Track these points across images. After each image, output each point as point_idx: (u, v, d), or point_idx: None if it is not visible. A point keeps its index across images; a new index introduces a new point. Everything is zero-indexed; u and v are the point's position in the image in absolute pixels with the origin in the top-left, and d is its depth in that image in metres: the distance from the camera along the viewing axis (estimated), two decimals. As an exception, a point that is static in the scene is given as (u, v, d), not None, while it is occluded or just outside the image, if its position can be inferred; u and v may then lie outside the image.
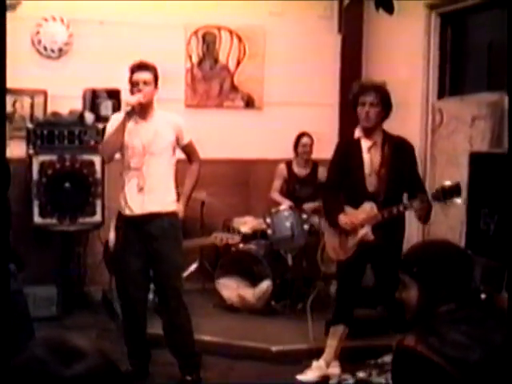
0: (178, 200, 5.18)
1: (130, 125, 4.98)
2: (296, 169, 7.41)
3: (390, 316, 5.21)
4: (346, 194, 5.22)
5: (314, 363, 5.30)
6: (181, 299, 5.15)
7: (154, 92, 5.05)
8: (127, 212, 5.04)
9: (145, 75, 4.99)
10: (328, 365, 5.28)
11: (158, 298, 5.37)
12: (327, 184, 5.50)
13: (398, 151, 5.12)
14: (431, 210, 4.97)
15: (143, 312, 5.22)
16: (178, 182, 5.30)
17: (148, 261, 5.10)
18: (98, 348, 1.33)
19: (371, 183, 5.10)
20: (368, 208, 5.08)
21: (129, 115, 4.92)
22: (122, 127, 4.92)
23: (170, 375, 5.31)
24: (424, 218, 5.03)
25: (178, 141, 5.14)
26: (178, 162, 5.24)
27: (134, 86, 5.01)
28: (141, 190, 5.00)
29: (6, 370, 1.29)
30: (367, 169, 5.11)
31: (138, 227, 5.03)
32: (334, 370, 5.31)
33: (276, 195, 7.39)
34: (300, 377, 5.27)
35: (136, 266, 5.08)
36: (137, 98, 4.92)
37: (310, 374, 5.25)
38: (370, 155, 5.12)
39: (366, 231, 5.08)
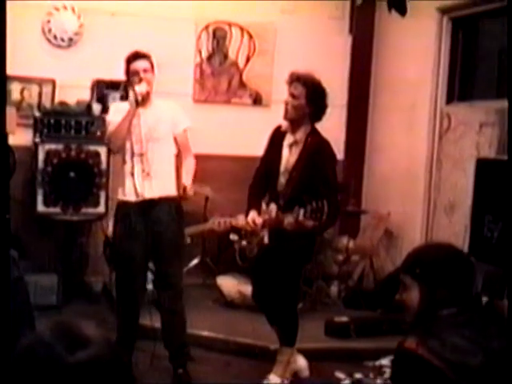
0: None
1: None
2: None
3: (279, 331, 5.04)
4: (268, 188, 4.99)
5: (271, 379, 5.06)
6: (180, 285, 5.23)
7: (153, 79, 5.11)
8: (132, 198, 5.07)
9: (143, 64, 5.06)
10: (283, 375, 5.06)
11: (158, 282, 5.35)
12: (254, 175, 5.29)
13: (315, 156, 4.74)
14: (322, 225, 4.49)
15: (139, 300, 5.23)
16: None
17: (150, 247, 5.13)
18: (105, 337, 1.34)
19: (281, 183, 4.86)
20: (271, 209, 4.83)
21: (138, 105, 4.97)
22: (130, 117, 4.98)
23: (160, 367, 5.34)
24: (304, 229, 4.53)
25: (174, 127, 5.19)
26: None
27: (133, 75, 5.05)
28: (147, 175, 5.05)
29: (8, 354, 1.29)
30: (282, 166, 4.87)
31: (142, 213, 5.07)
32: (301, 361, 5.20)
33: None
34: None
35: (138, 254, 5.09)
36: (145, 87, 4.99)
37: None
38: (289, 153, 4.85)
39: (262, 235, 4.87)
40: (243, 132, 7.76)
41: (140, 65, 5.05)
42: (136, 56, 5.08)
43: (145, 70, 5.04)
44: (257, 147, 7.80)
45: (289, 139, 4.88)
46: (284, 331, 5.11)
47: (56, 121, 6.68)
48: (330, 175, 4.75)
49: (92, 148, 6.67)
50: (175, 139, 5.22)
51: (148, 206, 5.06)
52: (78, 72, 7.11)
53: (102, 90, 7.09)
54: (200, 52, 7.71)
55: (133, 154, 5.07)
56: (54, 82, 7.07)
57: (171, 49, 7.34)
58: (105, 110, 7.01)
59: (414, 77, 7.13)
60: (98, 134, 6.75)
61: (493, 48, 6.54)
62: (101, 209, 6.75)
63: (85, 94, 7.10)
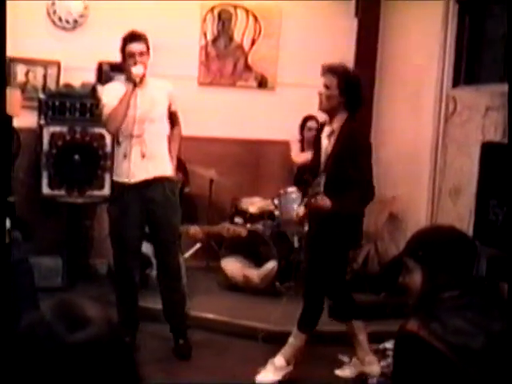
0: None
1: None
2: (305, 150, 7.41)
3: None
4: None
5: (277, 361, 5.06)
6: (177, 263, 5.38)
7: (148, 60, 5.15)
8: (131, 180, 5.14)
9: (139, 46, 5.10)
10: (289, 363, 5.08)
11: (157, 260, 5.51)
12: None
13: (347, 142, 4.79)
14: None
15: (135, 279, 5.34)
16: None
17: (144, 227, 5.27)
18: (107, 317, 1.34)
19: (320, 172, 4.94)
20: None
21: (135, 86, 5.04)
22: (128, 99, 5.03)
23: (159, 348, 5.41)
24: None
25: (169, 106, 5.29)
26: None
27: (129, 57, 5.08)
28: (143, 156, 5.13)
29: (9, 334, 1.30)
30: (322, 157, 4.94)
31: (137, 193, 5.15)
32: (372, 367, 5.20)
33: (301, 157, 7.34)
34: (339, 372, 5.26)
35: (135, 234, 5.22)
36: (142, 70, 5.05)
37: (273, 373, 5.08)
38: (328, 143, 4.90)
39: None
40: (248, 115, 7.75)
41: (136, 47, 5.08)
42: (132, 37, 5.11)
43: (141, 53, 5.08)
44: (262, 130, 7.84)
45: (327, 130, 4.94)
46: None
47: (61, 103, 6.68)
48: (361, 161, 4.77)
49: (97, 130, 6.66)
50: (173, 114, 5.33)
51: (143, 187, 5.15)
52: (83, 54, 7.09)
53: (107, 72, 7.07)
54: (205, 34, 7.68)
55: (129, 136, 5.12)
56: (58, 64, 7.06)
57: (176, 31, 7.32)
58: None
59: (420, 60, 7.09)
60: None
61: (499, 32, 6.50)
62: (105, 191, 6.75)
63: (90, 77, 7.08)
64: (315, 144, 5.17)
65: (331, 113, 4.89)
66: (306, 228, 5.12)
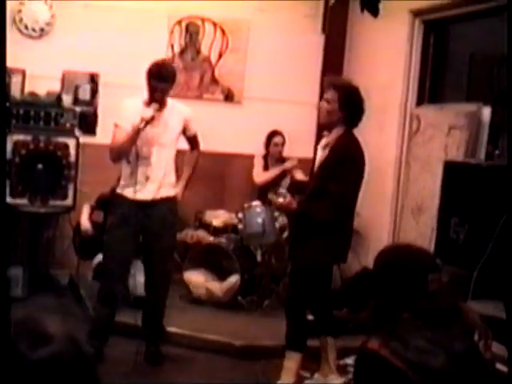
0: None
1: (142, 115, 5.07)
2: (270, 166, 7.44)
3: None
4: None
5: None
6: (167, 277, 5.45)
7: (169, 91, 5.17)
8: (130, 195, 5.19)
9: (165, 85, 5.10)
10: None
11: (146, 273, 5.51)
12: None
13: (337, 155, 4.82)
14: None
15: (117, 291, 5.35)
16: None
17: (140, 243, 5.32)
18: (69, 334, 1.33)
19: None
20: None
21: (145, 127, 5.02)
22: (136, 137, 5.04)
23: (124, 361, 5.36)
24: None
25: (184, 131, 5.34)
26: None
27: (151, 89, 5.08)
28: (147, 179, 5.18)
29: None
30: (315, 167, 5.01)
31: (139, 209, 5.20)
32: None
33: (261, 177, 7.38)
34: None
35: (128, 247, 5.24)
36: (151, 114, 5.02)
37: None
38: (322, 154, 4.96)
39: None
40: (214, 128, 7.73)
41: (161, 86, 5.06)
42: (161, 77, 5.06)
43: (162, 91, 5.08)
44: (227, 143, 7.84)
45: (323, 142, 4.98)
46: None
47: (25, 111, 6.63)
48: (344, 173, 4.75)
49: (61, 140, 6.62)
50: (188, 138, 5.42)
51: (143, 205, 5.20)
52: (48, 63, 7.05)
53: (73, 81, 7.04)
54: (172, 46, 7.68)
55: (136, 156, 5.14)
56: (24, 73, 7.00)
57: (143, 42, 7.31)
58: (76, 101, 6.99)
59: (385, 77, 7.16)
60: (68, 125, 6.71)
61: (464, 52, 6.60)
62: (69, 201, 6.71)
63: (55, 86, 7.04)
64: (314, 154, 5.22)
65: (329, 126, 4.92)
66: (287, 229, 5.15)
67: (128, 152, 5.12)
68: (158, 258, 5.33)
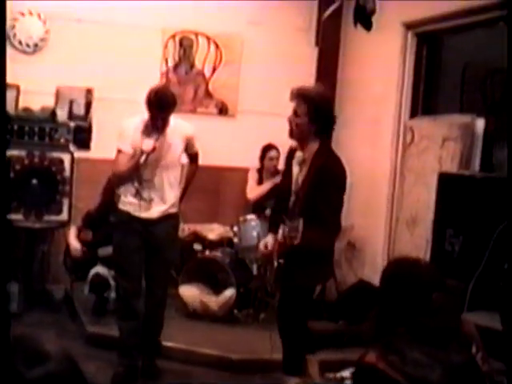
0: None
1: (144, 137, 5.07)
2: (264, 180, 7.44)
3: None
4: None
5: None
6: (165, 296, 5.46)
7: (169, 118, 5.11)
8: (135, 213, 5.19)
9: (165, 114, 5.05)
10: None
11: (146, 287, 5.45)
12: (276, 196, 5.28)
13: (319, 174, 4.45)
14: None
15: (139, 307, 5.32)
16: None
17: (144, 259, 5.30)
18: (66, 353, 1.33)
19: (291, 203, 4.59)
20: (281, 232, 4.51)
21: (146, 159, 5.02)
22: (136, 167, 5.06)
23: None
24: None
25: (186, 149, 5.32)
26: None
27: (152, 118, 5.04)
28: (151, 200, 5.19)
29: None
30: (293, 186, 4.61)
31: (143, 226, 5.21)
32: None
33: (253, 193, 7.38)
34: None
35: (135, 260, 5.25)
36: (152, 145, 5.00)
37: None
38: (299, 171, 4.59)
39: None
40: (208, 142, 7.73)
41: (162, 115, 5.03)
42: (161, 107, 5.00)
43: (163, 119, 5.04)
44: (222, 157, 7.85)
45: (298, 157, 4.62)
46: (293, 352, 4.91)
47: (19, 127, 6.63)
48: (332, 194, 4.47)
49: (55, 155, 6.62)
50: (189, 155, 5.43)
51: (145, 223, 5.21)
52: (42, 78, 7.05)
53: (67, 96, 7.04)
54: (166, 61, 7.70)
55: (140, 179, 5.14)
56: (18, 88, 7.00)
57: (137, 57, 7.33)
58: (70, 117, 6.99)
59: (379, 90, 7.18)
60: (62, 141, 6.71)
61: (457, 64, 6.62)
62: (63, 216, 6.70)
63: (49, 101, 7.04)
64: (285, 169, 4.87)
65: (302, 140, 4.56)
66: (275, 263, 4.70)
67: (130, 179, 5.14)
68: (159, 272, 5.36)
